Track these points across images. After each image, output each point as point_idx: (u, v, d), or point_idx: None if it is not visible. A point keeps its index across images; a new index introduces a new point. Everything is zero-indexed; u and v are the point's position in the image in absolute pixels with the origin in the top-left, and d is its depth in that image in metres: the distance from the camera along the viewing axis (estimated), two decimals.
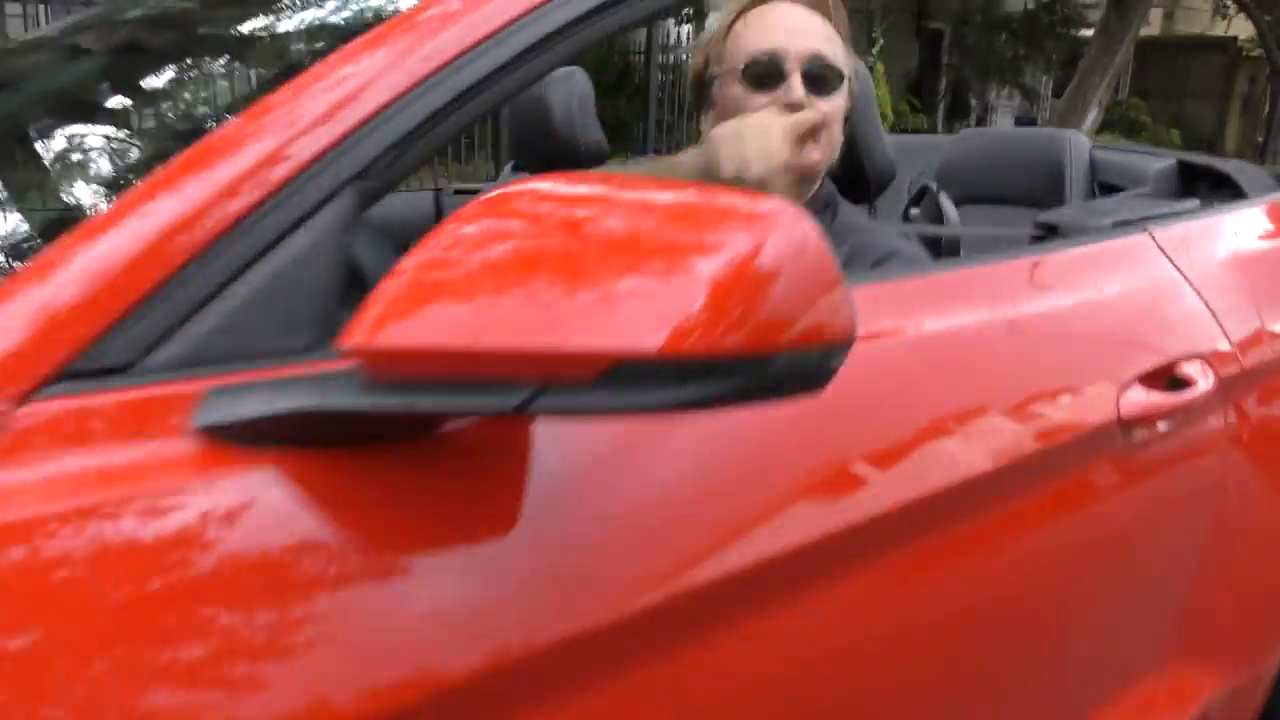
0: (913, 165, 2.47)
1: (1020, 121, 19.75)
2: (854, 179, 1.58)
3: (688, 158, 1.30)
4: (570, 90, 2.28)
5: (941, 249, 1.61)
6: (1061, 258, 1.34)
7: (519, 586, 0.76)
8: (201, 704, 0.64)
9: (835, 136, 1.37)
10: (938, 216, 1.65)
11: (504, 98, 0.92)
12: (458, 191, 2.67)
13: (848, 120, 1.42)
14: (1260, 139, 20.45)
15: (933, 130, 18.04)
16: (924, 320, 1.11)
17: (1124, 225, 1.50)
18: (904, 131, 16.18)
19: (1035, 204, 2.29)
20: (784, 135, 1.21)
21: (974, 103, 20.73)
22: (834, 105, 1.35)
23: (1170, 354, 1.34)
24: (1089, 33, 16.43)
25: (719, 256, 0.62)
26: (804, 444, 0.95)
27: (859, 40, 12.92)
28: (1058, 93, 18.06)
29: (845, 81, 1.37)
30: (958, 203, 2.39)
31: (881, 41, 12.38)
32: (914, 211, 1.68)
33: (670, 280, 0.62)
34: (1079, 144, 2.26)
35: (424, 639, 0.71)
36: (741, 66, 1.34)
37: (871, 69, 12.30)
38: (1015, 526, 1.11)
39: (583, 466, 0.82)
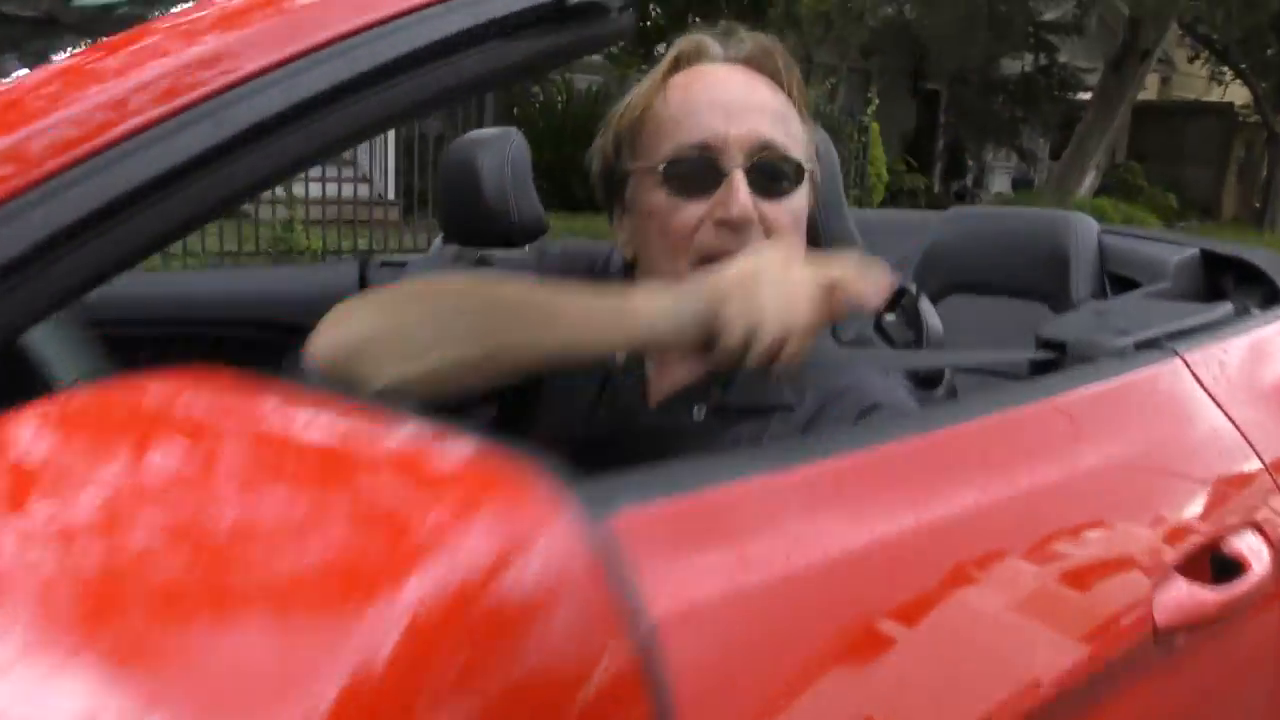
0: (895, 247, 2.17)
1: (1018, 183, 19.65)
2: None
3: (671, 302, 0.88)
4: (502, 154, 1.98)
5: (921, 371, 1.30)
6: (1072, 400, 1.02)
7: None
8: None
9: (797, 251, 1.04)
10: (917, 321, 1.34)
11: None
12: (385, 264, 2.38)
13: (810, 219, 1.11)
14: (1259, 204, 20.32)
15: (930, 190, 17.93)
16: (914, 505, 0.79)
17: (1148, 347, 1.19)
18: (900, 191, 16.06)
19: (1035, 296, 1.99)
20: (813, 292, 0.86)
21: (970, 163, 20.67)
22: (790, 210, 1.00)
23: (1215, 527, 1.03)
24: (1086, 96, 16.41)
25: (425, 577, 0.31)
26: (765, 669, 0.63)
27: (855, 102, 12.83)
28: (1055, 155, 18.03)
29: (805, 176, 1.02)
30: (946, 291, 2.08)
31: (877, 102, 12.21)
32: (888, 318, 1.37)
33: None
34: (1085, 228, 1.95)
35: None
36: (662, 166, 0.99)
37: (867, 129, 12.22)
38: None
39: None
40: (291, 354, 2.30)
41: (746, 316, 0.83)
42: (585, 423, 1.08)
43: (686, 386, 1.05)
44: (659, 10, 13.50)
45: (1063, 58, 17.10)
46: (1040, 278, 1.95)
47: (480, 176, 1.97)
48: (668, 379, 1.07)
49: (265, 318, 2.28)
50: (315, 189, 8.12)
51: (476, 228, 2.05)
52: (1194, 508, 1.04)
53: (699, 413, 1.03)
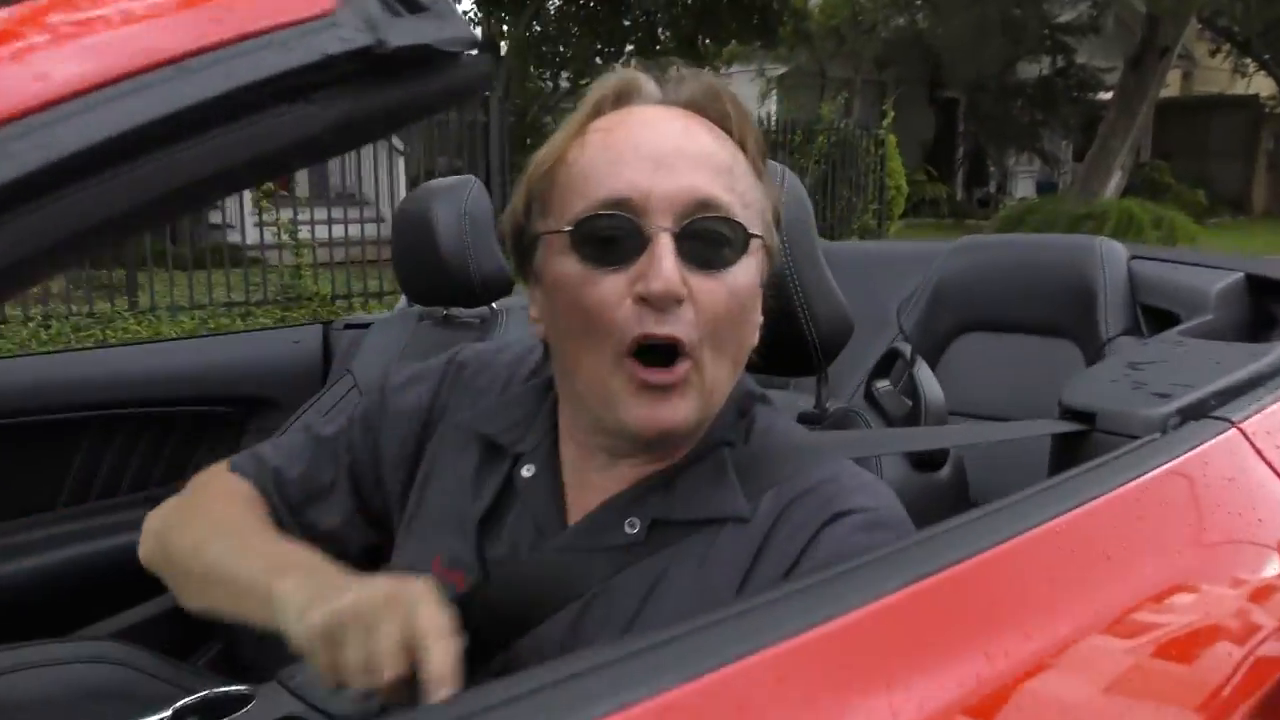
0: (899, 283, 1.96)
1: (1042, 187, 19.33)
2: (792, 353, 1.07)
3: (294, 606, 0.74)
4: (458, 205, 1.79)
5: (920, 448, 1.08)
6: (1107, 509, 0.81)
7: None
8: None
9: (743, 333, 0.84)
10: (913, 389, 1.13)
11: None
12: (348, 326, 2.20)
13: (770, 295, 0.90)
14: None
15: (952, 198, 17.64)
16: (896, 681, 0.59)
17: (1194, 415, 0.98)
18: (922, 202, 15.79)
19: (1060, 333, 1.77)
20: (397, 642, 0.68)
21: (993, 169, 20.37)
22: (730, 287, 0.79)
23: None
24: (1107, 96, 16.09)
25: None
26: None
27: (871, 115, 12.60)
28: (1079, 157, 17.70)
29: (753, 245, 0.82)
30: (957, 330, 1.87)
31: (893, 113, 11.97)
32: (880, 385, 1.16)
33: None
34: (1112, 256, 1.74)
35: None
36: (569, 227, 0.79)
37: (883, 142, 11.98)
38: None
39: None
40: (250, 431, 2.14)
41: (329, 667, 0.71)
42: (475, 558, 0.88)
43: (618, 494, 0.85)
44: (667, 34, 13.34)
45: (1081, 59, 16.78)
46: (1064, 313, 1.74)
47: (435, 231, 1.78)
48: (592, 487, 0.87)
49: (224, 392, 2.11)
50: (322, 231, 7.98)
51: (434, 286, 1.86)
52: (1268, 652, 0.82)
53: (632, 527, 0.83)
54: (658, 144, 0.80)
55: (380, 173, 8.23)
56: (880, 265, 2.04)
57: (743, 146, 0.85)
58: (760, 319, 0.88)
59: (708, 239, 0.79)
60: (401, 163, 9.01)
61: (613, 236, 0.78)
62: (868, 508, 0.80)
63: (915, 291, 1.91)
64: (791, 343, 1.06)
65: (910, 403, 1.11)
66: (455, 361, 1.01)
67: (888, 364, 1.17)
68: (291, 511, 0.98)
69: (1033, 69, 17.24)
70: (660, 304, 0.76)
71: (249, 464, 1.01)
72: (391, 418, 0.99)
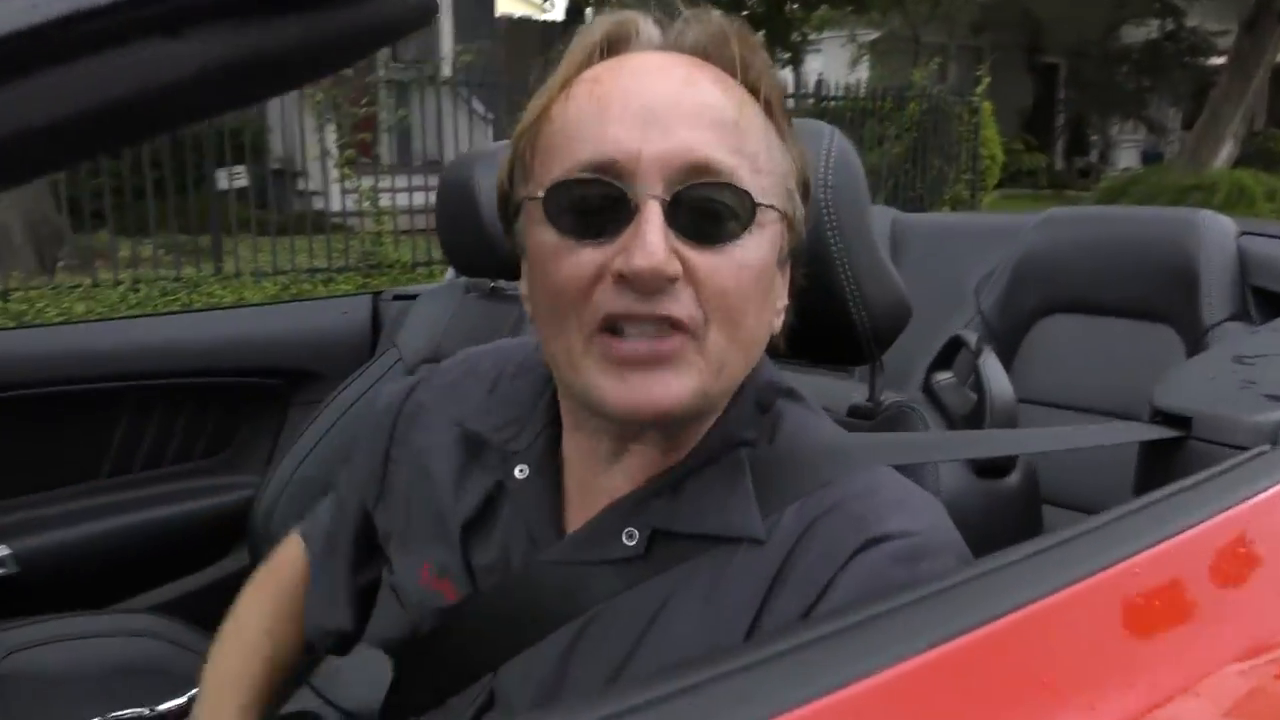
0: (978, 259, 1.80)
1: (1147, 157, 18.56)
2: (842, 340, 0.94)
3: None
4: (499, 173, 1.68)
5: (979, 455, 0.94)
6: (1204, 540, 0.67)
7: None
8: None
9: (759, 315, 0.71)
10: (977, 382, 0.99)
11: None
12: (396, 297, 2.12)
13: (798, 267, 0.77)
14: None
15: (1050, 168, 17.04)
16: None
17: None
18: (1018, 172, 15.26)
19: (1156, 317, 1.60)
20: None
21: (1094, 138, 19.63)
22: (737, 264, 0.67)
23: None
24: (1219, 61, 15.34)
25: None
26: None
27: (966, 81, 12.16)
28: (1187, 125, 16.96)
29: (765, 214, 0.69)
30: (1041, 311, 1.71)
31: (988, 79, 11.53)
32: (940, 378, 1.03)
33: None
34: (1218, 232, 1.56)
35: None
36: (542, 193, 0.68)
37: (978, 109, 11.55)
38: None
39: None
40: (296, 403, 2.08)
41: None
42: (462, 567, 0.79)
43: (622, 498, 0.74)
44: None
45: (1191, 21, 16.00)
46: (1162, 294, 1.57)
47: (478, 200, 1.68)
48: (595, 489, 0.75)
49: (271, 363, 2.05)
50: (403, 199, 7.99)
51: (478, 257, 1.76)
52: None
53: (630, 539, 0.72)
54: (651, 97, 0.67)
55: (466, 140, 8.19)
56: (959, 238, 1.89)
57: (760, 100, 0.72)
58: (784, 302, 0.76)
59: (705, 209, 0.66)
60: (490, 130, 8.96)
61: (594, 205, 0.66)
62: (909, 532, 0.67)
63: (996, 268, 1.75)
64: (840, 329, 0.94)
65: (975, 397, 0.97)
66: (405, 399, 0.93)
67: (950, 354, 1.03)
68: (353, 571, 0.95)
69: (1139, 33, 16.51)
70: (645, 285, 0.64)
71: (312, 532, 1.02)
72: (356, 480, 0.95)
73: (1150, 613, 0.62)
